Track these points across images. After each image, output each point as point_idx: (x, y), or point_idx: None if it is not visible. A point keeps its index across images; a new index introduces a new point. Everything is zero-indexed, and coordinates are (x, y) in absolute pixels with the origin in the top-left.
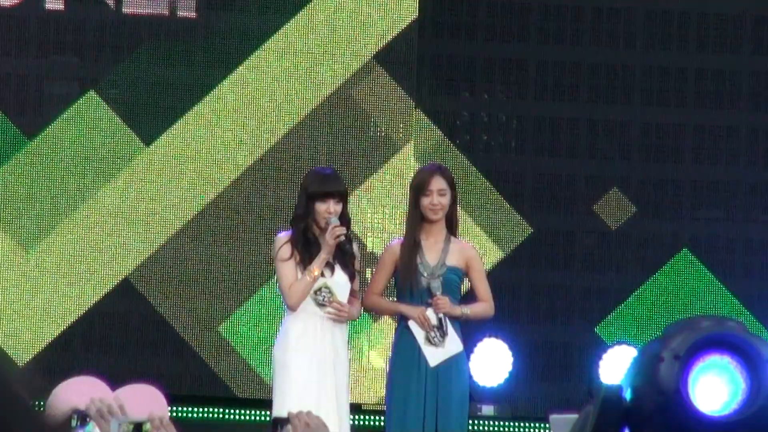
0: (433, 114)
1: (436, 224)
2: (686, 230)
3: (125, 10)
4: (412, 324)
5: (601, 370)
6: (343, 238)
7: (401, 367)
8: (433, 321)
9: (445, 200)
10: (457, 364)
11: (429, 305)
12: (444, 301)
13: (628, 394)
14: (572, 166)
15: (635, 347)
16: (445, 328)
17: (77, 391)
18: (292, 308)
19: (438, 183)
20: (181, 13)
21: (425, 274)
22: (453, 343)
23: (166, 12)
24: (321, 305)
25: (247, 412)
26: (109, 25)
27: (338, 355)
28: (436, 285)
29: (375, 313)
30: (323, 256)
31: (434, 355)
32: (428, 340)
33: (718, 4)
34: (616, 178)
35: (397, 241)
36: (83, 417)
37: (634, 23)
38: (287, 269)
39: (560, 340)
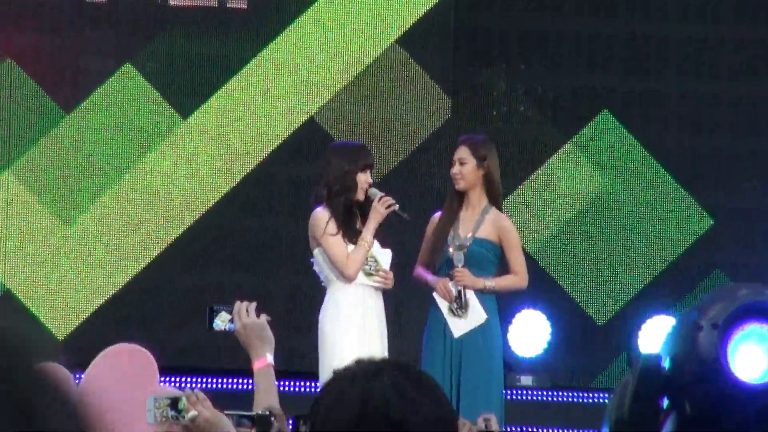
0: (471, 87)
1: (474, 195)
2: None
3: (172, 2)
4: (436, 295)
5: (641, 340)
6: (397, 207)
7: (430, 337)
8: (454, 292)
9: (466, 170)
10: (484, 336)
11: (451, 277)
12: (462, 273)
13: (666, 363)
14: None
15: (674, 317)
16: (464, 300)
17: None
18: (351, 278)
19: (459, 152)
20: (230, 5)
21: (453, 246)
22: (476, 314)
23: (215, 3)
24: (368, 274)
25: (284, 383)
26: (152, 11)
27: (382, 323)
28: (459, 257)
29: (419, 284)
30: (373, 224)
31: (457, 326)
32: (451, 311)
33: None
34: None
35: (439, 213)
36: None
37: None
38: (339, 243)
39: (599, 309)
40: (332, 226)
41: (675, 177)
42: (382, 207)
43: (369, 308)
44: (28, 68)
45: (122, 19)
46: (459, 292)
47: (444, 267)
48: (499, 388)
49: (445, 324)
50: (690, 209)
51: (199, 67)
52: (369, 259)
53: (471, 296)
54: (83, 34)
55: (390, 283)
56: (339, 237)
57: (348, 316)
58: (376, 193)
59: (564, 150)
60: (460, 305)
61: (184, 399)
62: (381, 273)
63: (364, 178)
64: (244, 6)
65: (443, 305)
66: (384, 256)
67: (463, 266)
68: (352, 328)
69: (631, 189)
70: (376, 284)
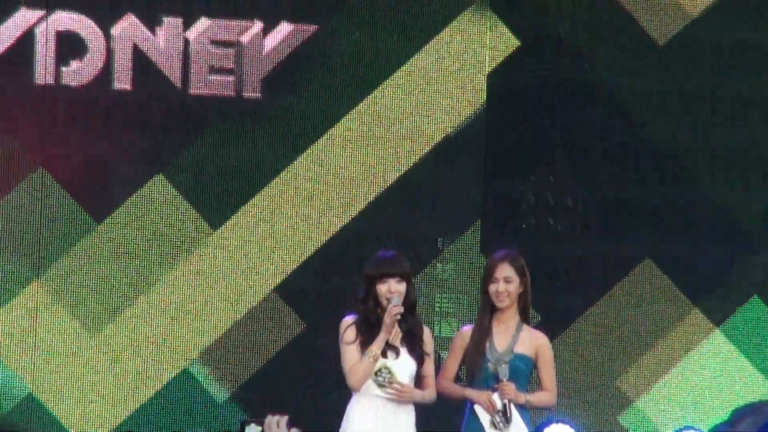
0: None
1: (508, 311)
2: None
3: (192, 90)
4: (478, 408)
5: None
6: (399, 317)
7: None
8: (498, 406)
9: (512, 288)
10: None
11: (494, 390)
12: (510, 387)
13: None
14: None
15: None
16: (509, 414)
17: None
18: (354, 389)
19: (504, 270)
20: (246, 95)
21: (492, 360)
22: (518, 428)
23: (232, 93)
24: (381, 386)
25: None
26: (176, 104)
27: None
28: (504, 371)
29: (446, 397)
30: (382, 336)
31: None
32: (493, 424)
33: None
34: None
35: (468, 327)
36: None
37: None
38: (350, 351)
39: (628, 424)
40: (350, 334)
41: None
42: (388, 317)
43: (385, 421)
44: (59, 177)
45: (149, 119)
46: (504, 405)
47: (485, 380)
48: None
49: None
50: None
51: (229, 177)
52: (383, 370)
53: (514, 410)
54: (114, 140)
55: (405, 396)
56: (353, 346)
57: (357, 428)
58: (393, 301)
59: None
60: (506, 419)
61: None
62: (395, 386)
63: (385, 288)
64: (258, 96)
65: (485, 418)
66: (402, 368)
67: (509, 380)
68: None
69: None
70: (388, 396)
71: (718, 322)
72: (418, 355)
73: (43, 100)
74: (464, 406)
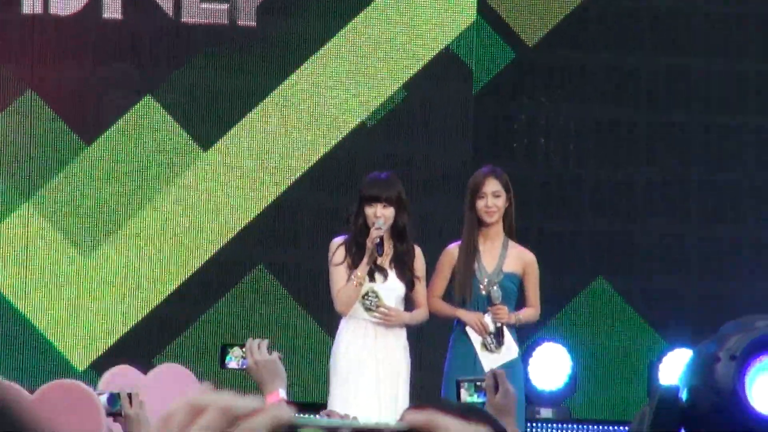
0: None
1: (494, 228)
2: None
3: (184, 19)
4: (469, 329)
5: (661, 373)
6: (378, 241)
7: (456, 370)
8: (491, 327)
9: (500, 202)
10: (512, 370)
11: (486, 311)
12: (503, 311)
13: (684, 395)
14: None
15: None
16: (502, 336)
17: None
18: (341, 313)
19: (492, 185)
20: (241, 22)
21: (482, 282)
22: (509, 350)
23: (225, 21)
24: (368, 309)
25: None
26: (167, 33)
27: (391, 361)
28: (497, 293)
29: (435, 314)
30: (365, 260)
31: (490, 361)
32: (484, 345)
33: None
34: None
35: (454, 245)
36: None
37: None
38: (338, 274)
39: (620, 343)
40: (338, 255)
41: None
42: (369, 242)
43: (374, 344)
44: (48, 99)
45: (140, 44)
46: (497, 328)
47: (478, 302)
48: (522, 421)
49: (474, 357)
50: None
51: (219, 99)
52: (370, 294)
53: (506, 332)
54: (104, 64)
55: (391, 320)
56: (340, 267)
57: (345, 351)
58: (377, 224)
59: None
60: (498, 341)
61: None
62: (381, 309)
63: (371, 212)
64: (253, 24)
65: (476, 340)
66: (389, 293)
67: (501, 302)
68: (351, 362)
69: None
70: (375, 320)
71: None
72: (408, 280)
73: (32, 29)
74: (452, 325)
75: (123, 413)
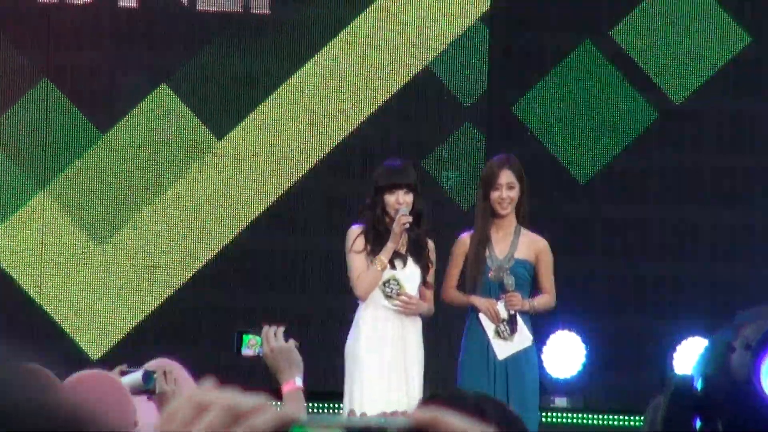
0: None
1: (508, 216)
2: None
3: (199, 7)
4: (482, 317)
5: (676, 361)
6: (408, 226)
7: (470, 358)
8: (504, 315)
9: (514, 193)
10: (526, 357)
11: (499, 299)
12: (516, 298)
13: (699, 384)
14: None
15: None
16: (515, 323)
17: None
18: (360, 298)
19: (506, 176)
20: (254, 10)
21: (492, 268)
22: (522, 337)
23: (239, 9)
24: (389, 297)
25: (320, 404)
26: (182, 20)
27: (408, 349)
28: (510, 280)
29: (451, 304)
30: (390, 245)
31: (503, 349)
32: (498, 333)
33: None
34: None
35: (467, 234)
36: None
37: None
38: (358, 260)
39: (634, 331)
40: (358, 243)
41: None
42: (397, 226)
43: (394, 332)
44: (63, 88)
45: (155, 32)
46: (510, 315)
47: (489, 289)
48: (536, 410)
49: (488, 345)
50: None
51: (233, 87)
52: (392, 281)
53: (519, 320)
54: (119, 51)
55: (412, 309)
56: (361, 255)
57: (367, 338)
58: (401, 212)
59: None
60: (512, 329)
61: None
62: (402, 298)
63: (393, 199)
64: (267, 11)
65: (489, 327)
66: (410, 280)
67: (514, 289)
68: (371, 351)
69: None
70: (395, 308)
71: None
72: (424, 265)
73: (48, 18)
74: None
75: (158, 390)
